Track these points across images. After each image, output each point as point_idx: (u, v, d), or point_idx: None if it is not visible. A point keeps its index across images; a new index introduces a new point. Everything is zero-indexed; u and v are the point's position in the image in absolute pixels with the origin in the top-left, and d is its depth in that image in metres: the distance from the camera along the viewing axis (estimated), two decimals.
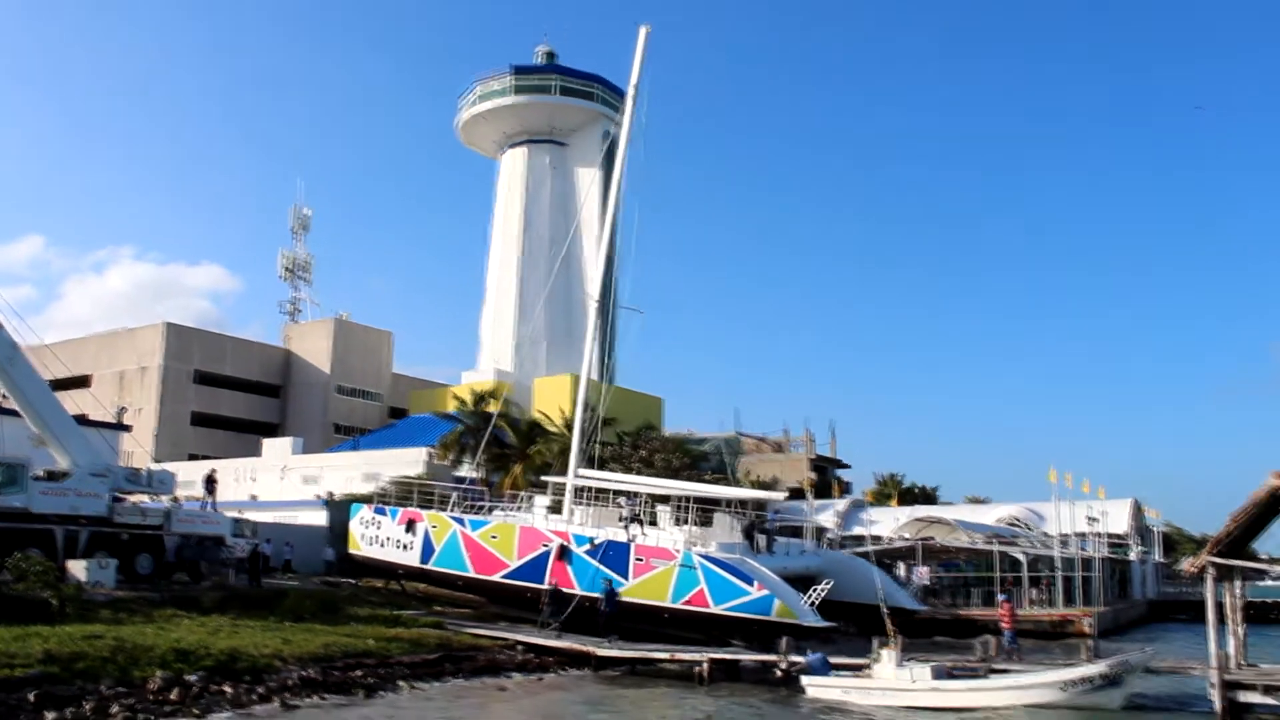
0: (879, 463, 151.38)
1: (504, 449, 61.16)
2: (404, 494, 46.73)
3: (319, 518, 55.47)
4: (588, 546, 37.67)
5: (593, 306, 46.64)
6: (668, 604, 35.44)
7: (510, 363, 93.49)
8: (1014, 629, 32.89)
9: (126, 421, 59.89)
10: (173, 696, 22.33)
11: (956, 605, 50.33)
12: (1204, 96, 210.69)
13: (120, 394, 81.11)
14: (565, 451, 53.80)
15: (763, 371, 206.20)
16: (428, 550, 41.44)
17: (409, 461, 63.79)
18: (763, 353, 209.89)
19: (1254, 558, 28.35)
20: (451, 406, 68.89)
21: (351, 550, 44.70)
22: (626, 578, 36.32)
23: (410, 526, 42.10)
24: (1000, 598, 36.64)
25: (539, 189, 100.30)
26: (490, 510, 43.52)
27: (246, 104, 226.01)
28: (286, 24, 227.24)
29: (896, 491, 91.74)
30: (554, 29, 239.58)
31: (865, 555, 47.45)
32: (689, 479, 49.58)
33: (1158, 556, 76.24)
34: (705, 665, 30.21)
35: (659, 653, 32.28)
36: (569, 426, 53.13)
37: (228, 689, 23.66)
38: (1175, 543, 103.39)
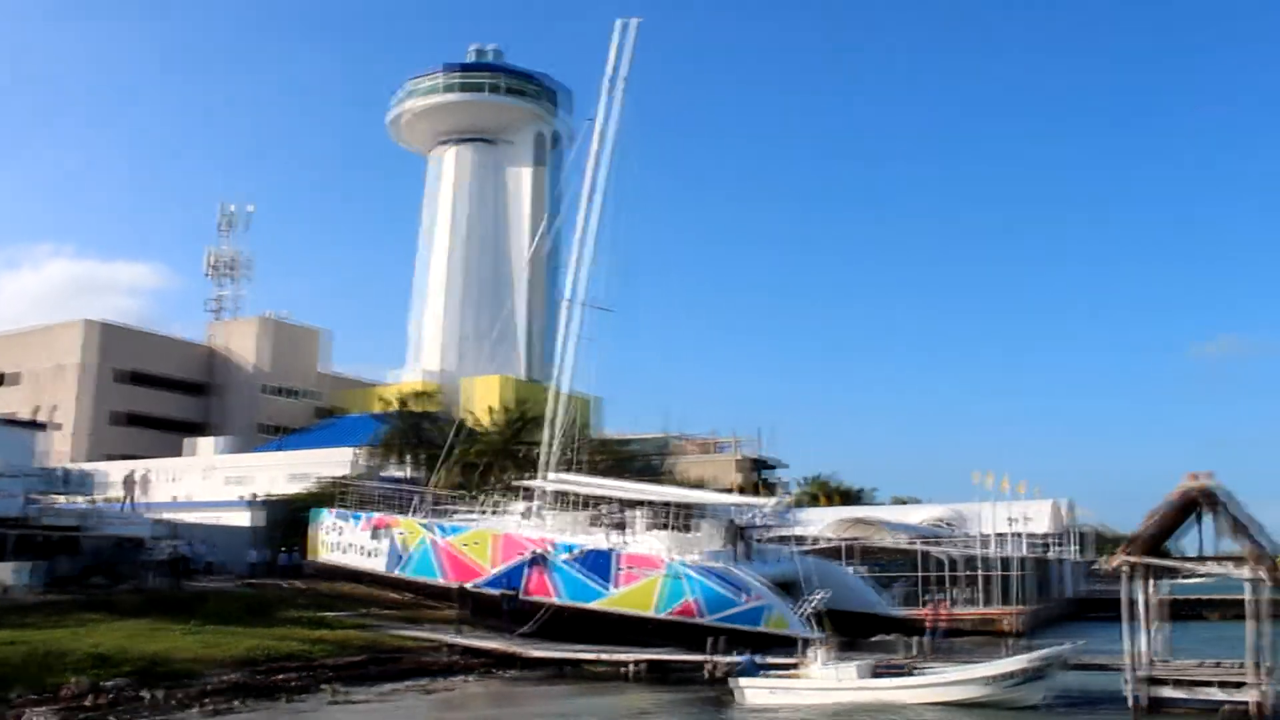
0: (812, 465, 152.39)
1: (434, 449, 60.77)
2: (333, 495, 46.17)
3: (245, 519, 54.64)
4: (569, 555, 36.63)
5: (565, 306, 44.84)
6: (654, 614, 34.35)
7: (441, 362, 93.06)
8: (940, 628, 33.31)
9: (44, 420, 58.48)
10: (89, 703, 21.94)
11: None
12: (1115, 95, 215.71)
13: (39, 393, 79.18)
14: (497, 452, 53.63)
15: (700, 373, 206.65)
16: (397, 557, 40.43)
17: (338, 462, 63.03)
18: (701, 354, 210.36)
19: (1170, 556, 29.02)
20: (381, 406, 68.30)
21: (313, 556, 43.59)
22: (610, 587, 35.39)
23: (377, 532, 41.15)
24: (927, 598, 37.11)
25: (470, 187, 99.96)
26: (453, 515, 42.39)
27: (177, 97, 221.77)
28: (216, 14, 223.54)
29: (825, 493, 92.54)
30: (494, 29, 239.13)
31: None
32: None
33: (1085, 555, 77.68)
34: (634, 665, 30.25)
35: (587, 653, 32.22)
36: (504, 426, 52.99)
37: (147, 695, 23.25)
38: (1100, 542, 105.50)
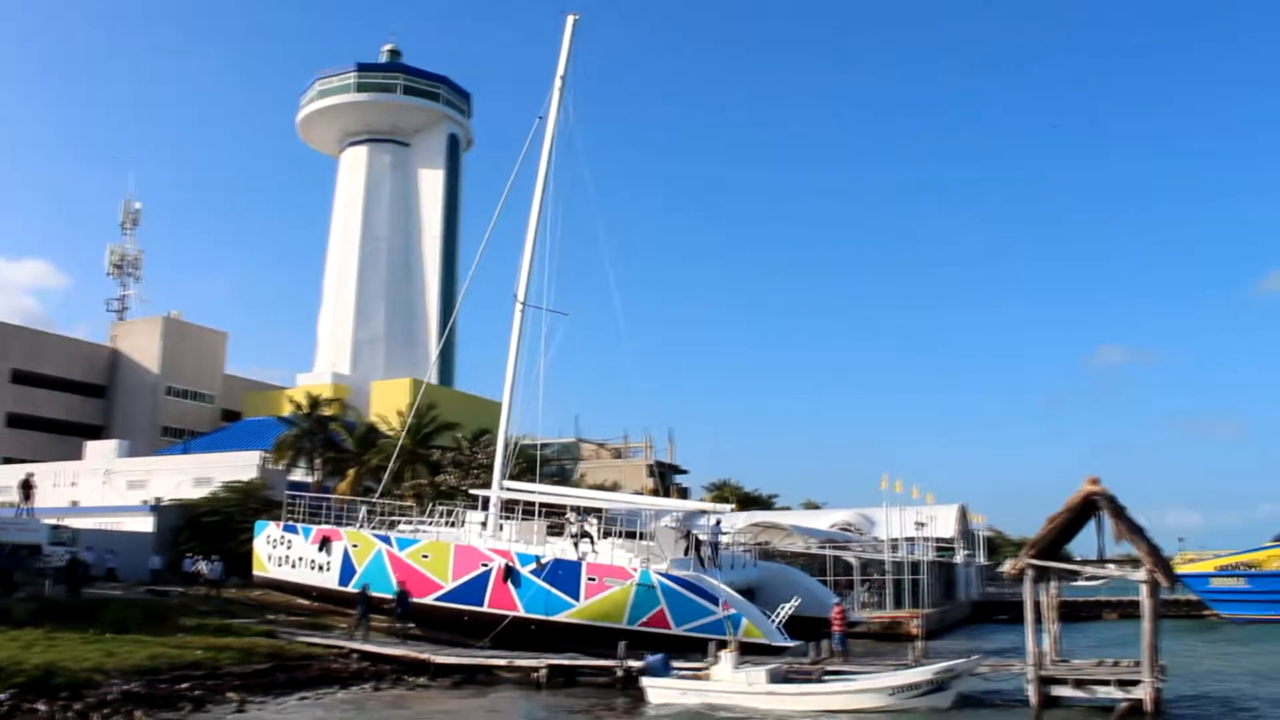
0: (718, 470, 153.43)
1: (340, 453, 60.08)
2: (242, 500, 45.01)
3: (146, 524, 53.30)
4: (533, 566, 35.60)
5: (518, 310, 42.41)
6: (624, 625, 33.47)
7: (348, 365, 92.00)
8: (844, 631, 33.67)
9: None
10: None
11: None
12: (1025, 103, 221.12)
13: None
14: (406, 456, 52.95)
15: (606, 378, 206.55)
16: (349, 571, 38.89)
17: (242, 465, 61.85)
18: (607, 359, 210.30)
19: (1069, 560, 29.91)
20: (287, 409, 67.19)
21: (257, 571, 41.99)
22: (577, 599, 34.59)
23: (325, 545, 39.61)
24: (832, 600, 37.55)
25: (379, 189, 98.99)
26: (400, 526, 41.31)
27: (74, 93, 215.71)
28: (117, 8, 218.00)
29: (730, 498, 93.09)
30: (405, 30, 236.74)
31: None
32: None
33: (982, 559, 79.42)
34: (543, 671, 30.22)
35: (496, 659, 32.09)
36: (410, 430, 52.38)
37: (41, 706, 22.56)
38: (998, 546, 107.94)
